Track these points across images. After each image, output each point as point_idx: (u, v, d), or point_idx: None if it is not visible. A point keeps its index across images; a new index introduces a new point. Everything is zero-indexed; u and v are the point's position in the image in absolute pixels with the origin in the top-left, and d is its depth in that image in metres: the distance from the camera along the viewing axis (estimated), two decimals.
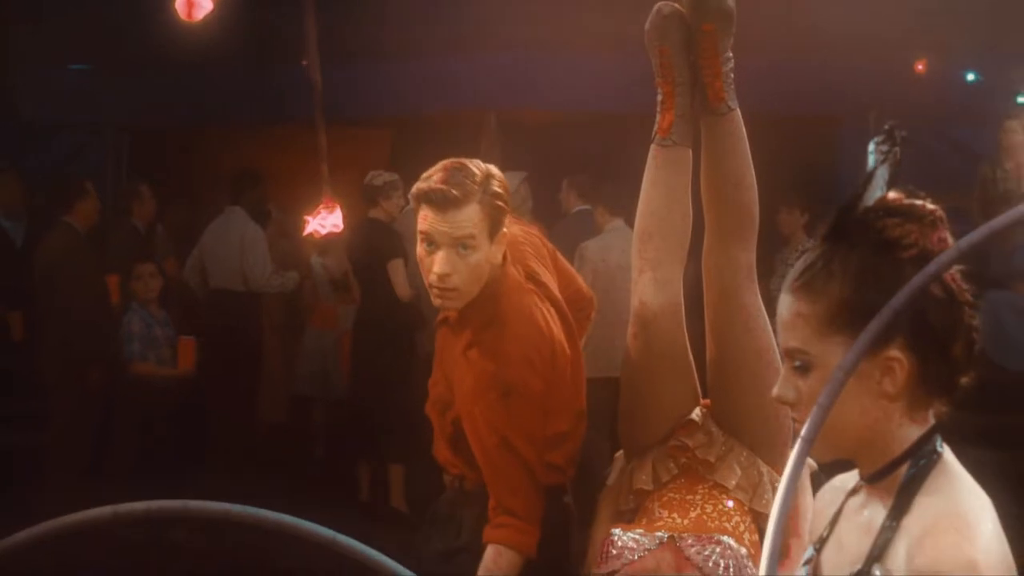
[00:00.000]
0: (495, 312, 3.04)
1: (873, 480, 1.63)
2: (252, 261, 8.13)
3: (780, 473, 2.69)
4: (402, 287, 7.36)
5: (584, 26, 8.54)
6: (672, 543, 2.81)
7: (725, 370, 2.98)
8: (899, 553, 1.53)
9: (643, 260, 3.00)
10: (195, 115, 10.83)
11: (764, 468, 2.94)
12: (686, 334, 3.03)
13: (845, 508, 1.69)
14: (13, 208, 8.76)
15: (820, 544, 1.70)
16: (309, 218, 6.78)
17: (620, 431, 3.10)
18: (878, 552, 1.55)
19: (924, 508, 1.55)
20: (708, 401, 3.05)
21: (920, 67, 9.63)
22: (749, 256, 2.98)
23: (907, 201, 1.62)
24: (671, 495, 2.93)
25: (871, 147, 1.61)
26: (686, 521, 2.86)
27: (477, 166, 3.04)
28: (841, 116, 10.55)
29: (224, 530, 6.60)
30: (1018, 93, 9.23)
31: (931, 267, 1.44)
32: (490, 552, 3.00)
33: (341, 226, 6.79)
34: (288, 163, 10.11)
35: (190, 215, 9.87)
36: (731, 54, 2.90)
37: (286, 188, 9.84)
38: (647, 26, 2.94)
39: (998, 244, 8.33)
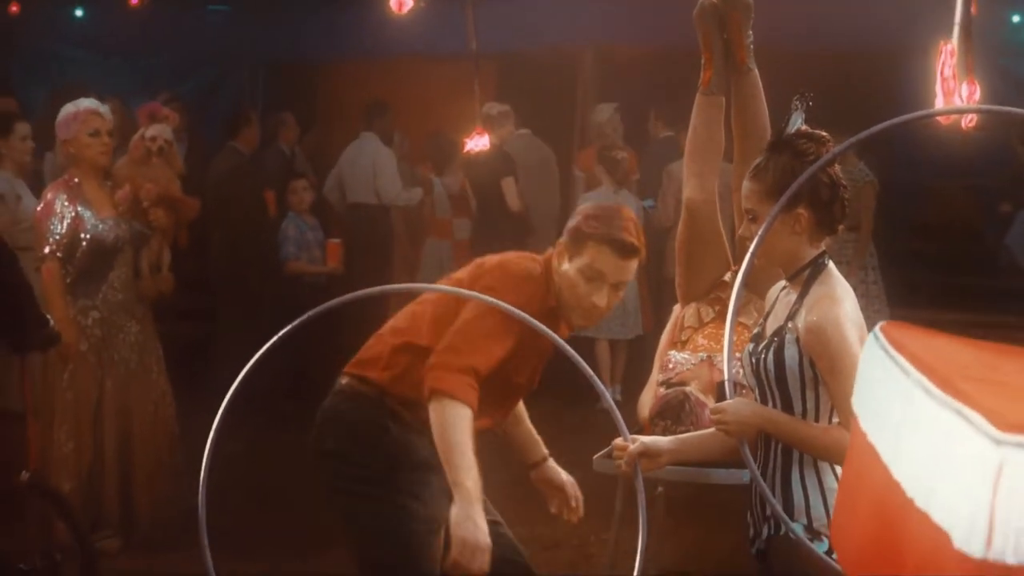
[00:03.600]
0: None
1: (791, 279, 2.96)
2: (384, 179, 9.18)
3: None
4: (513, 200, 8.49)
5: None
6: (709, 360, 4.15)
7: (747, 245, 4.23)
8: (801, 315, 2.86)
9: (691, 171, 4.31)
10: (322, 50, 11.56)
11: None
12: (720, 220, 4.33)
13: (779, 297, 3.03)
14: (177, 135, 9.82)
15: (764, 319, 3.06)
16: (467, 140, 7.96)
17: (676, 286, 4.40)
18: (791, 316, 2.89)
19: (814, 292, 2.88)
20: (736, 267, 4.33)
21: (973, 9, 10.59)
22: None
23: (810, 131, 2.94)
24: (709, 330, 4.25)
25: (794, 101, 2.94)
26: (718, 346, 4.18)
27: (634, 215, 3.34)
28: (907, 51, 11.39)
29: None
30: None
31: (817, 163, 2.79)
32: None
33: (488, 146, 8.03)
34: (407, 93, 10.92)
35: (322, 139, 10.95)
36: (751, 32, 4.18)
37: (406, 116, 10.91)
38: (694, 12, 4.23)
39: None
